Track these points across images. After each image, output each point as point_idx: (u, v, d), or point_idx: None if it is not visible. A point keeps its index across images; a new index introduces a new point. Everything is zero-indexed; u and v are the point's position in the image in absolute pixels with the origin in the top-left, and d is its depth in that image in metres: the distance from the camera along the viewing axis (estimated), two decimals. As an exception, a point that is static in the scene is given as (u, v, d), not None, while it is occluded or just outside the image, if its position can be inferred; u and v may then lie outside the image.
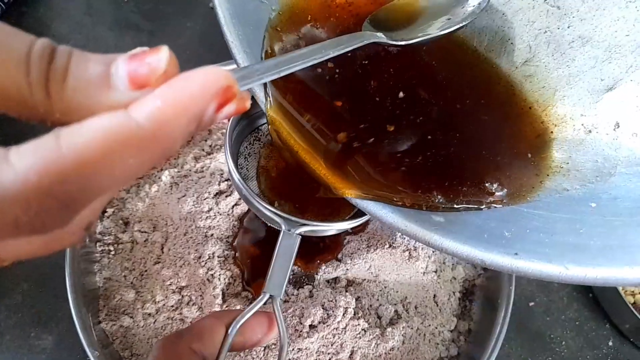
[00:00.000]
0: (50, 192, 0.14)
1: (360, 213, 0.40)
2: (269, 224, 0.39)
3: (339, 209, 0.42)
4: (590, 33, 0.34)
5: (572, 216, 0.30)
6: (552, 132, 0.34)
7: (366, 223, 0.48)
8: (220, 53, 0.58)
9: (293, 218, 0.36)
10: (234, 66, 0.51)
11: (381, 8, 0.33)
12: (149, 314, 0.42)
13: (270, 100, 0.29)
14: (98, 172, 0.15)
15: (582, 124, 0.34)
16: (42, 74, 0.16)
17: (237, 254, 0.46)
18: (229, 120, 0.41)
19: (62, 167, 0.14)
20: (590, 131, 0.34)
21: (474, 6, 0.32)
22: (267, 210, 0.37)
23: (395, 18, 0.32)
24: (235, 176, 0.37)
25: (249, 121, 0.43)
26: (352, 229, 0.40)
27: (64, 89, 0.16)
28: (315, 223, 0.37)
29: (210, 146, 0.51)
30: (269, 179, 0.42)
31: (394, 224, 0.27)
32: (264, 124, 0.44)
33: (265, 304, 0.34)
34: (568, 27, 0.34)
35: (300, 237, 0.36)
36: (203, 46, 0.61)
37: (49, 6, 0.61)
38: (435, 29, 0.31)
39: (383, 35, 0.30)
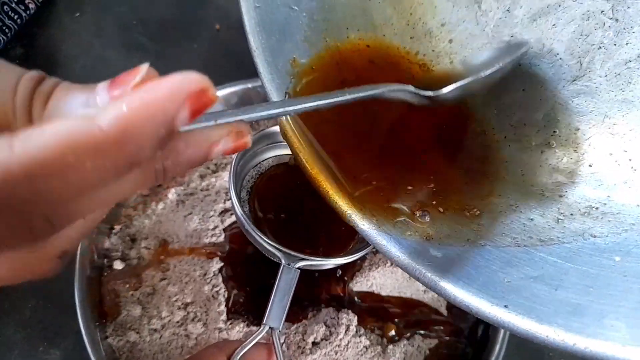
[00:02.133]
0: (1, 195, 0.13)
1: (357, 249, 0.41)
2: (270, 257, 0.40)
3: (336, 243, 0.43)
4: (651, 53, 0.28)
5: (588, 269, 0.26)
6: (591, 165, 0.30)
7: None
8: (225, 74, 0.60)
9: (293, 253, 0.38)
10: (234, 89, 0.53)
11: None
12: (155, 330, 0.43)
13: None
14: (52, 175, 0.14)
15: (630, 159, 0.30)
16: (27, 97, 0.16)
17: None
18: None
19: (11, 168, 0.13)
20: (636, 170, 0.30)
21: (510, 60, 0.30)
22: (267, 244, 0.38)
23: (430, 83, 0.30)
24: (238, 210, 0.38)
25: (252, 155, 0.45)
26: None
27: (46, 110, 0.16)
28: (314, 258, 0.38)
29: (215, 164, 0.52)
30: (268, 213, 0.43)
31: (387, 252, 0.26)
32: (266, 159, 0.45)
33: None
34: (626, 44, 0.29)
35: (299, 271, 0.38)
36: (208, 68, 0.62)
37: (60, 28, 0.63)
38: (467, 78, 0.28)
39: (411, 87, 0.27)
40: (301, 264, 0.38)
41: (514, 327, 0.24)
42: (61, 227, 0.16)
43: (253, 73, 0.57)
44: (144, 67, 0.16)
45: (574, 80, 0.30)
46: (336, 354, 0.43)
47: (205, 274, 0.45)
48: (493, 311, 0.24)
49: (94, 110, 0.14)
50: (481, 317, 0.24)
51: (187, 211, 0.48)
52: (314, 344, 0.43)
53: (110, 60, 0.62)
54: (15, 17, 0.59)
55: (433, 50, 0.34)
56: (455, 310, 0.48)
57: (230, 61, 0.63)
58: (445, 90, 0.28)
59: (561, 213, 0.29)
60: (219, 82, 0.54)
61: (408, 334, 0.46)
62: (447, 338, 0.46)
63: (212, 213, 0.48)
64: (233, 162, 0.41)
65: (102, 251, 0.46)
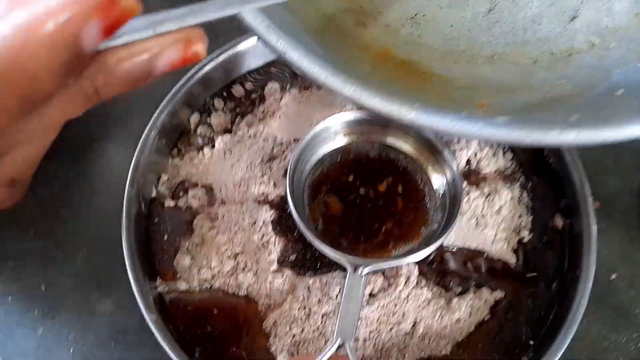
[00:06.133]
0: None
1: (423, 245, 0.40)
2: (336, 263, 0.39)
3: (406, 232, 0.42)
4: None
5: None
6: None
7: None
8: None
9: (359, 260, 0.36)
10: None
11: None
12: (205, 280, 0.42)
13: None
14: None
15: (552, 52, 0.33)
16: None
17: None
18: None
19: None
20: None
21: None
22: (333, 253, 0.37)
23: None
24: (299, 222, 0.38)
25: (305, 160, 0.43)
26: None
27: None
28: (381, 261, 0.37)
29: (262, 112, 0.49)
30: (330, 220, 0.42)
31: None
32: (323, 155, 0.44)
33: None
34: None
35: (366, 277, 0.37)
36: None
37: None
38: None
39: None
40: (369, 268, 0.36)
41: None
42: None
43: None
44: None
45: (490, 11, 0.34)
46: (395, 306, 0.40)
47: (254, 223, 0.43)
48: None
49: None
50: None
51: (234, 159, 0.46)
52: (372, 295, 0.40)
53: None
54: None
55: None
56: (528, 262, 0.44)
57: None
58: None
59: None
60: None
61: (474, 287, 0.42)
62: (518, 291, 0.42)
63: (259, 160, 0.46)
64: (289, 168, 0.40)
65: (150, 201, 0.45)
